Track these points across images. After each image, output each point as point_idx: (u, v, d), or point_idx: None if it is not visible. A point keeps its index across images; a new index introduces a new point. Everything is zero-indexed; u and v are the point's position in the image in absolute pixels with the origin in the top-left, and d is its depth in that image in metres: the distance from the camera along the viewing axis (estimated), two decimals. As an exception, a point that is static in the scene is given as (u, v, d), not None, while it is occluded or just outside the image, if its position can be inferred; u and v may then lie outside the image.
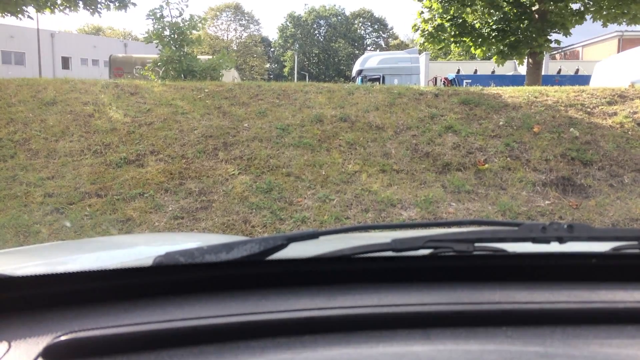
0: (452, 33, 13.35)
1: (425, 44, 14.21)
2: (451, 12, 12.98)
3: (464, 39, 13.51)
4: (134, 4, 11.63)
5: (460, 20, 13.22)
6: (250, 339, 0.67)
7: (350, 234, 1.47)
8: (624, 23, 12.64)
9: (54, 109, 6.65)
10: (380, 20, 59.61)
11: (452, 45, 13.88)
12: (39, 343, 0.66)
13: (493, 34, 13.20)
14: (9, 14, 10.16)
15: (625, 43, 24.38)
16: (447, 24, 13.23)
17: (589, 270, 0.84)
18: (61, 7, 10.71)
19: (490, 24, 13.28)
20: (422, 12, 13.61)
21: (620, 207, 5.06)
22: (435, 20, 13.37)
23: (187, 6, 15.28)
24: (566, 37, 13.30)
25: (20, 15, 10.26)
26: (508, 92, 7.35)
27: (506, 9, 13.03)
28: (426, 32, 13.64)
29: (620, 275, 0.83)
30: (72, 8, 10.78)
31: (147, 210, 4.90)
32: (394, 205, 4.99)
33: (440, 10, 12.97)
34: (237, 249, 0.79)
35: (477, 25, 13.49)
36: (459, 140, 6.11)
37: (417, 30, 13.99)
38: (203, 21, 10.38)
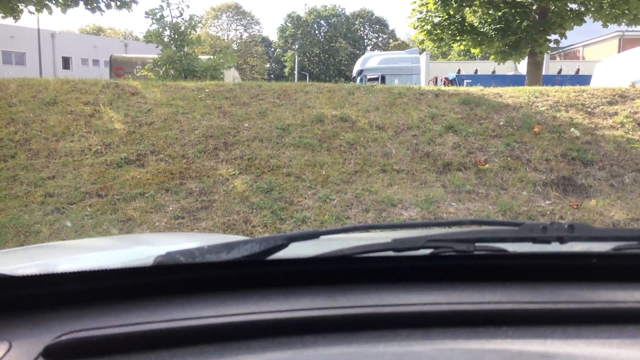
0: (451, 32, 13.32)
1: (425, 42, 14.15)
2: (450, 11, 12.95)
3: (464, 37, 13.48)
4: (136, 3, 11.61)
5: (459, 19, 13.18)
6: (251, 339, 0.67)
7: (351, 233, 1.47)
8: (624, 23, 12.62)
9: (54, 109, 6.65)
10: (381, 20, 59.62)
11: (453, 43, 13.80)
12: (39, 343, 0.66)
13: (493, 33, 13.18)
14: (9, 17, 10.13)
15: (625, 43, 24.38)
16: (445, 23, 13.20)
17: (589, 270, 0.84)
18: (60, 2, 10.66)
19: (489, 22, 13.25)
20: (420, 11, 13.56)
21: (620, 207, 5.06)
22: (433, 18, 13.33)
23: (188, 7, 15.20)
24: (562, 39, 13.25)
25: (19, 14, 10.22)
26: (509, 92, 7.35)
27: (505, 9, 13.01)
28: (425, 29, 13.58)
29: (621, 275, 0.83)
30: (71, 4, 10.72)
31: (148, 210, 4.90)
32: (394, 205, 4.99)
33: (440, 7, 12.90)
34: (238, 249, 0.79)
35: (476, 24, 13.46)
36: (460, 140, 6.11)
37: (415, 27, 13.92)
38: (202, 21, 10.40)
